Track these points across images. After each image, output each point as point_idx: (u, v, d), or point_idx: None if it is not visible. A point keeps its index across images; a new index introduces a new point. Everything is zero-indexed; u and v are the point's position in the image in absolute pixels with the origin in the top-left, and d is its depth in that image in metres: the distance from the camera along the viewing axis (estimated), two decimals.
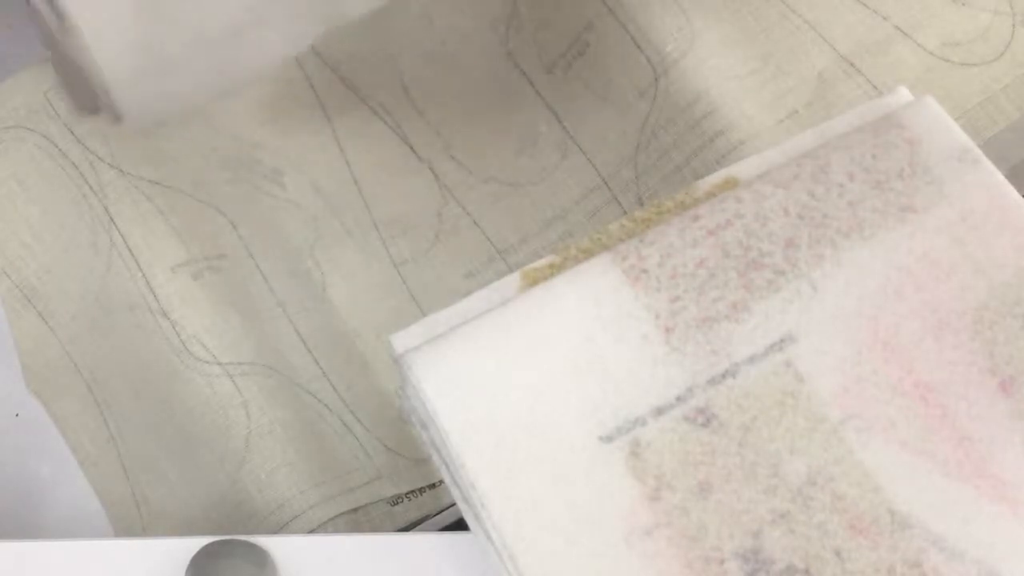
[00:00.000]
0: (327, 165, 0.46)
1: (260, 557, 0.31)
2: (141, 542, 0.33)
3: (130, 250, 0.42)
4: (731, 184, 0.33)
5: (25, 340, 0.42)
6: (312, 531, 0.38)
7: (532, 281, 0.31)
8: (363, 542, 0.32)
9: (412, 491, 0.41)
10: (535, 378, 0.29)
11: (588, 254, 0.32)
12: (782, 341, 0.30)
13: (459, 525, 0.31)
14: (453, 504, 0.40)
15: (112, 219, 0.42)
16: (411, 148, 0.46)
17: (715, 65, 0.42)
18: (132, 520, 0.40)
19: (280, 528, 0.38)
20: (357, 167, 0.46)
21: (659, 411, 0.29)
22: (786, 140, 0.34)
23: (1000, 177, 0.31)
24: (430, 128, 0.46)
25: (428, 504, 0.41)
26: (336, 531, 0.38)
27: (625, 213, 0.44)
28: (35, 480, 0.41)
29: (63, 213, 0.42)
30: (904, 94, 0.34)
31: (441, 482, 0.41)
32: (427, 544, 0.32)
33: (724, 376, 0.29)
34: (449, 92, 0.47)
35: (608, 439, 0.29)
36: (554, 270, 0.32)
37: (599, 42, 0.44)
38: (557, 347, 0.30)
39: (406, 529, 0.40)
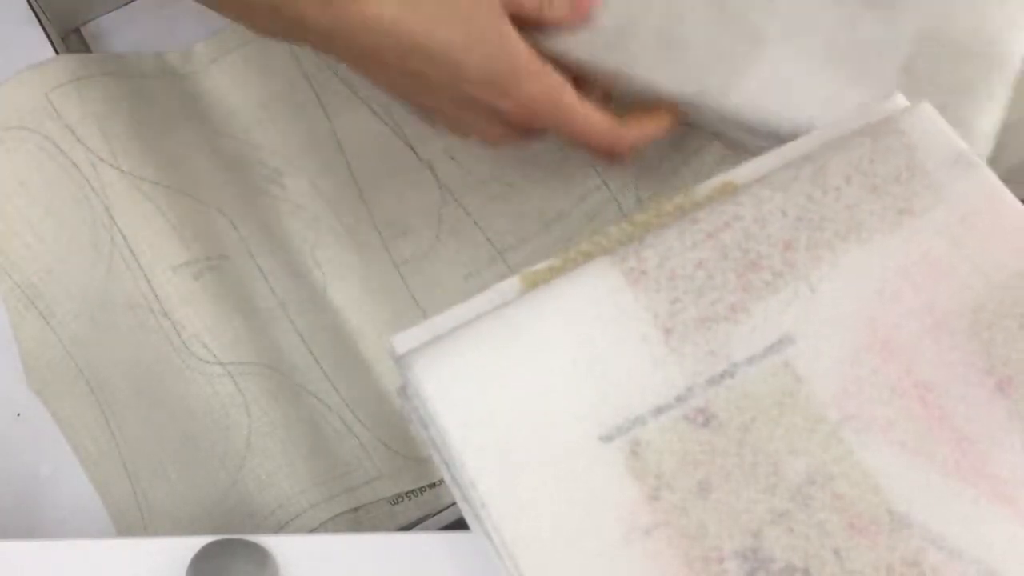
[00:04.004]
0: (327, 165, 0.46)
1: (261, 556, 0.31)
2: (142, 541, 0.33)
3: (131, 250, 0.42)
4: (729, 187, 0.33)
5: (27, 340, 0.42)
6: (313, 530, 0.38)
7: (532, 284, 0.32)
8: (363, 541, 0.32)
9: (413, 490, 0.41)
10: (535, 379, 0.30)
11: (588, 256, 0.32)
12: (780, 342, 0.30)
13: (459, 524, 0.31)
14: (454, 503, 0.40)
15: (113, 219, 0.42)
16: (411, 148, 0.47)
17: None
18: (133, 519, 0.40)
19: (281, 527, 0.38)
20: (357, 167, 0.46)
21: (658, 411, 0.29)
22: (784, 144, 0.34)
23: (996, 180, 0.32)
24: (430, 128, 0.47)
25: (429, 503, 0.41)
26: (337, 530, 0.39)
27: (624, 214, 0.44)
28: (36, 479, 0.41)
29: (65, 213, 0.42)
30: (901, 99, 0.34)
31: (441, 481, 0.41)
32: (427, 543, 0.32)
33: (723, 376, 0.30)
34: None
35: (608, 439, 0.29)
36: (554, 272, 0.32)
37: None
38: (557, 348, 0.30)
39: (407, 528, 0.40)
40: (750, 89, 0.39)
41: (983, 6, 0.39)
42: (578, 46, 0.42)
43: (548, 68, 0.37)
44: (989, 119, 0.38)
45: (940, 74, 0.38)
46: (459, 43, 0.36)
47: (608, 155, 0.39)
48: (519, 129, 0.38)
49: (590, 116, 0.37)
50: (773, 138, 0.39)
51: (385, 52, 0.36)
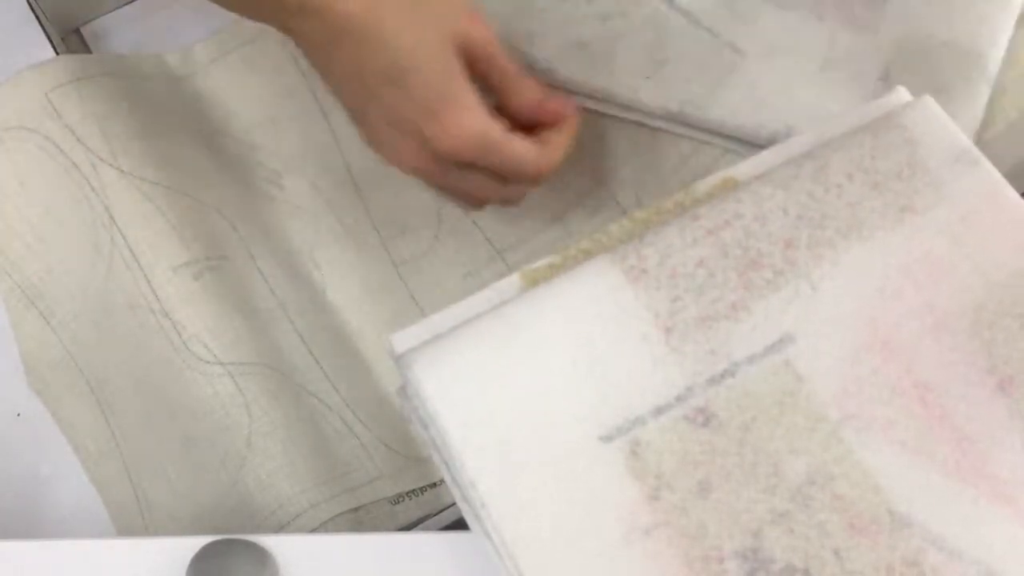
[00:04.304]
0: (326, 166, 0.46)
1: (261, 556, 0.31)
2: (142, 541, 0.33)
3: (131, 250, 0.42)
4: (730, 184, 0.33)
5: (27, 340, 0.42)
6: (313, 530, 0.38)
7: (532, 281, 0.32)
8: (364, 541, 0.32)
9: (413, 490, 0.41)
10: (535, 378, 0.30)
11: (588, 254, 0.32)
12: (781, 341, 0.30)
13: (460, 524, 0.31)
14: (454, 503, 0.40)
15: (113, 219, 0.42)
16: None
17: None
18: (133, 519, 0.40)
19: (281, 527, 0.38)
20: (356, 168, 0.46)
21: (659, 411, 0.29)
22: (785, 140, 0.34)
23: (999, 177, 0.31)
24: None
25: (429, 503, 0.41)
26: (337, 530, 0.39)
27: (624, 212, 0.44)
28: (37, 479, 0.41)
29: (65, 213, 0.42)
30: (903, 94, 0.34)
31: (442, 481, 0.41)
32: (428, 543, 0.32)
33: (723, 376, 0.30)
34: None
35: (608, 439, 0.29)
36: (554, 270, 0.32)
37: None
38: (557, 347, 0.30)
39: (407, 528, 0.40)
40: (729, 102, 0.40)
41: (956, 10, 0.39)
42: (564, 63, 0.42)
43: (482, 107, 0.37)
44: (970, 117, 0.38)
45: (917, 79, 0.38)
46: (414, 52, 0.36)
47: (536, 179, 0.39)
48: (444, 163, 0.38)
49: (517, 147, 0.38)
50: (755, 147, 0.40)
51: (346, 40, 0.36)
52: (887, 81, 0.40)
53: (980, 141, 0.40)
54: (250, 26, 0.49)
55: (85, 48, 0.50)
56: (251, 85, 0.47)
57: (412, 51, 0.36)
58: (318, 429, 0.41)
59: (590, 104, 0.44)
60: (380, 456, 0.41)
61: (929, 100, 0.32)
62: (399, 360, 0.30)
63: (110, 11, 0.51)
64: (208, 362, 0.40)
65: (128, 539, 0.34)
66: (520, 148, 0.38)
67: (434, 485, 0.41)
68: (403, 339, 0.31)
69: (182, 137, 0.45)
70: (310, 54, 0.38)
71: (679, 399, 0.29)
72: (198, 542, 0.31)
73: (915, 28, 0.40)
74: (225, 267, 0.42)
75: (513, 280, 0.32)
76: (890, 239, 0.31)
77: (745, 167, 0.33)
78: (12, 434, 0.41)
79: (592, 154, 0.45)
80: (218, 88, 0.48)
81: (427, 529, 0.40)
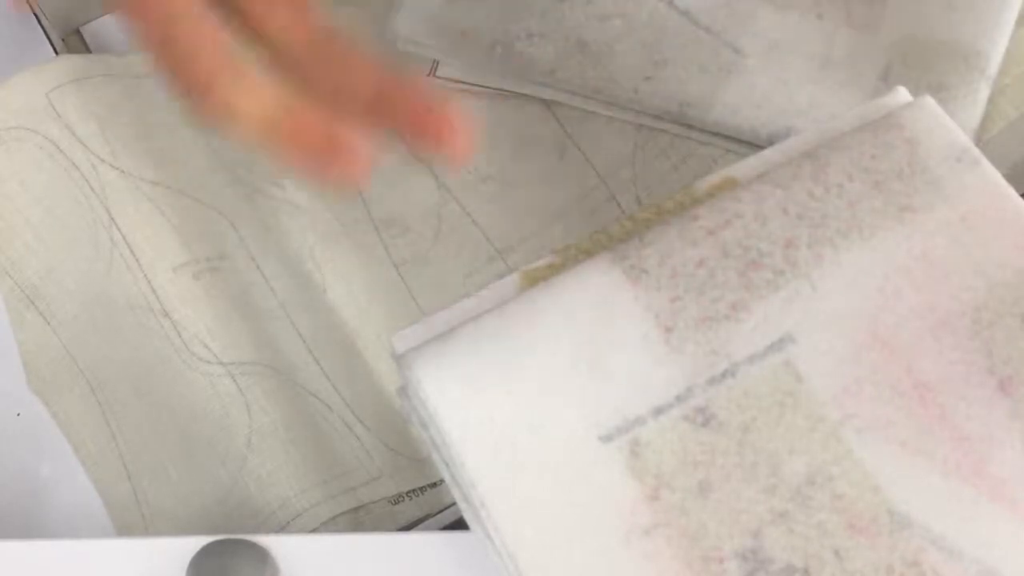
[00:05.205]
0: None
1: (261, 556, 0.31)
2: (142, 541, 0.33)
3: (131, 250, 0.42)
4: (730, 184, 0.33)
5: (27, 340, 0.42)
6: (313, 530, 0.38)
7: (532, 281, 0.32)
8: (364, 541, 0.32)
9: (413, 490, 0.41)
10: (535, 378, 0.30)
11: (588, 254, 0.32)
12: (781, 341, 0.30)
13: (460, 524, 0.31)
14: (454, 503, 0.40)
15: (113, 219, 0.42)
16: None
17: None
18: (133, 519, 0.40)
19: (281, 527, 0.38)
20: None
21: (659, 411, 0.29)
22: (785, 140, 0.34)
23: (999, 177, 0.31)
24: None
25: (429, 503, 0.41)
26: (337, 530, 0.39)
27: (624, 212, 0.44)
28: (36, 479, 0.41)
29: (65, 213, 0.42)
30: (903, 94, 0.34)
31: (442, 481, 0.41)
32: (428, 543, 0.32)
33: (723, 376, 0.30)
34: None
35: (608, 439, 0.29)
36: (554, 270, 0.32)
37: None
38: (557, 347, 0.30)
39: (407, 528, 0.40)
40: (729, 102, 0.40)
41: (956, 10, 0.39)
42: (564, 63, 0.42)
43: None
44: (970, 117, 0.38)
45: (917, 79, 0.38)
46: None
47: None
48: None
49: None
50: (755, 147, 0.40)
51: None
52: (887, 81, 0.40)
53: (980, 141, 0.40)
54: None
55: (85, 48, 0.50)
56: None
57: None
58: (318, 429, 0.41)
59: (590, 104, 0.44)
60: (380, 456, 0.41)
61: (929, 100, 0.32)
62: (399, 360, 0.30)
63: (110, 11, 0.51)
64: (208, 362, 0.40)
65: (128, 539, 0.34)
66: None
67: (434, 485, 0.41)
68: (403, 339, 0.31)
69: (182, 137, 0.45)
70: None
71: (679, 399, 0.29)
72: (198, 542, 0.31)
73: (915, 27, 0.40)
74: (225, 267, 0.42)
75: (513, 280, 0.32)
76: (890, 239, 0.31)
77: (745, 167, 0.33)
78: (12, 434, 0.41)
79: (592, 154, 0.45)
80: None
81: (427, 529, 0.40)
